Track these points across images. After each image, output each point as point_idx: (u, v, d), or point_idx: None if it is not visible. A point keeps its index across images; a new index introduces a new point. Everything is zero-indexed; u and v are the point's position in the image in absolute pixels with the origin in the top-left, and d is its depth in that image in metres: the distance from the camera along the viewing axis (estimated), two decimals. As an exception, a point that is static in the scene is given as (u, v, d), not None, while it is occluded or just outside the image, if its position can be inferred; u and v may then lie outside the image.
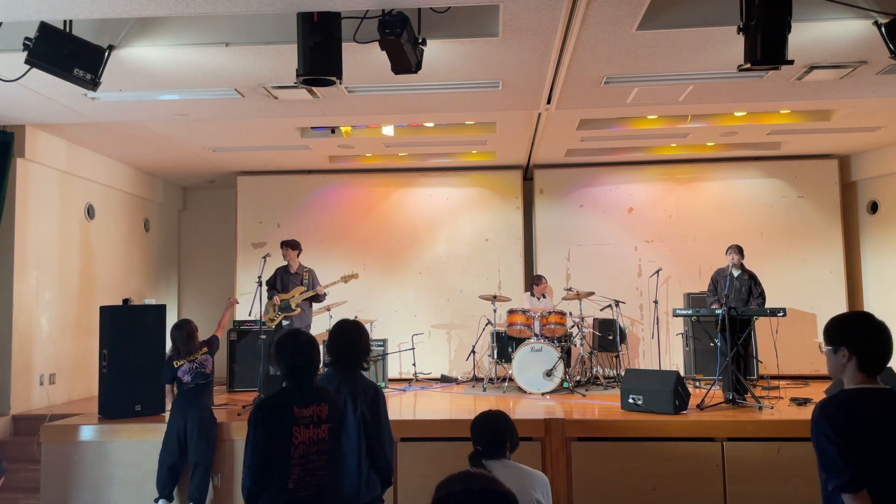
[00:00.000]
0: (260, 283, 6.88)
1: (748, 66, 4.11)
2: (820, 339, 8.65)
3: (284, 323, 7.13)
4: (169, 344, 5.86)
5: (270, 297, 7.14)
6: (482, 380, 8.09)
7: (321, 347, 3.09)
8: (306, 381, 2.93)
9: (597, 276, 8.94)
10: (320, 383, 3.23)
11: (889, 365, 6.35)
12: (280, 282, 7.28)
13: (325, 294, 7.31)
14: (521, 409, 6.36)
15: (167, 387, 5.65)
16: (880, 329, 2.43)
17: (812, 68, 5.40)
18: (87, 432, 5.85)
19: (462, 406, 6.83)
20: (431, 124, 7.68)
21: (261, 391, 6.64)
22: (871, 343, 2.40)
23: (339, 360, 3.28)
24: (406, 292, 9.29)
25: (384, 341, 8.38)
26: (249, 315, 7.94)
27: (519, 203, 9.30)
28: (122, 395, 6.11)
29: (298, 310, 7.13)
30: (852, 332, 2.44)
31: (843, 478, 2.28)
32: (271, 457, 2.77)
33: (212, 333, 5.89)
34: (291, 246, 7.30)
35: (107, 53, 4.66)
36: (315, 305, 7.55)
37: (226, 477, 5.71)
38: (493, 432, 3.06)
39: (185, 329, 5.57)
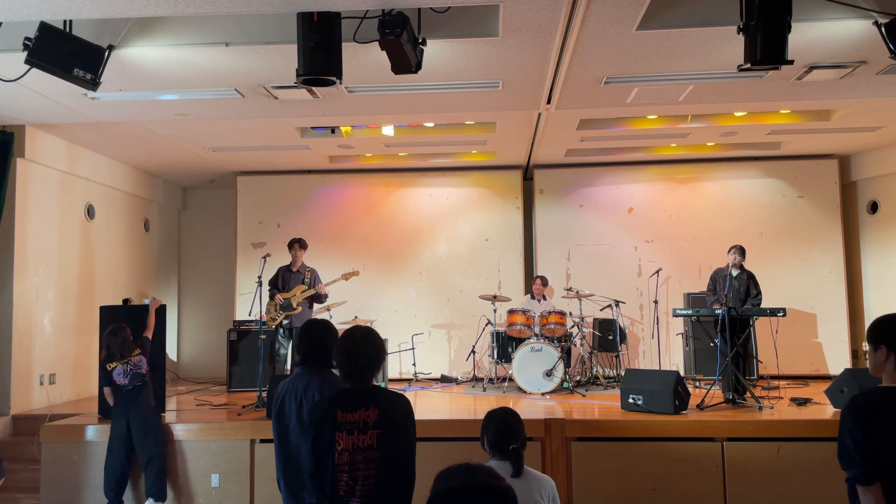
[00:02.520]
0: (260, 283, 6.87)
1: (748, 66, 4.11)
2: (819, 339, 8.68)
3: (285, 322, 7.12)
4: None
5: (272, 297, 7.12)
6: (482, 380, 8.09)
7: (384, 346, 2.88)
8: (355, 384, 2.79)
9: (597, 276, 8.94)
10: (293, 382, 3.20)
11: None
12: (282, 280, 7.27)
13: (326, 294, 7.30)
14: (521, 409, 6.36)
15: (106, 390, 5.61)
16: None
17: (812, 68, 5.40)
18: (88, 432, 5.85)
19: (462, 406, 6.82)
20: (431, 124, 7.68)
21: (260, 391, 6.63)
22: None
23: (307, 360, 3.25)
24: (406, 292, 9.29)
25: (384, 341, 8.36)
26: (249, 315, 7.94)
27: (519, 203, 9.30)
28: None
29: (299, 308, 7.10)
30: (891, 330, 2.49)
31: (855, 470, 2.39)
32: (322, 457, 2.71)
33: (141, 335, 5.80)
34: (303, 245, 7.34)
35: (107, 53, 4.66)
36: (315, 305, 7.54)
37: (225, 477, 5.71)
38: (521, 430, 3.01)
39: (120, 334, 5.55)
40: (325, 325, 3.33)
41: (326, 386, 3.16)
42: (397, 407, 2.80)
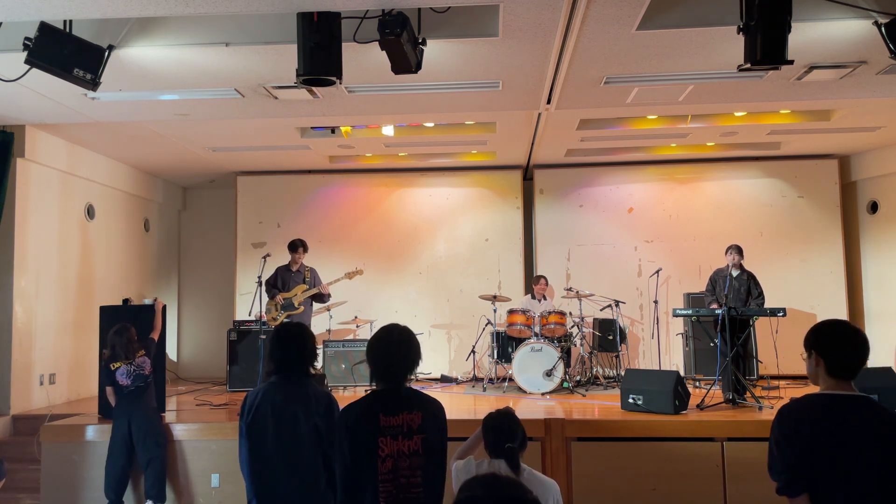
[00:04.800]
0: (260, 283, 6.89)
1: (748, 66, 4.11)
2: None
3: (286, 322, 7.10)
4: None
5: (272, 297, 7.13)
6: (482, 380, 8.08)
7: (418, 344, 2.76)
8: (396, 385, 2.61)
9: (597, 276, 8.94)
10: (267, 394, 2.98)
11: (890, 366, 6.34)
12: (281, 280, 7.30)
13: (329, 294, 7.36)
14: (521, 409, 6.36)
15: (108, 390, 5.61)
16: (849, 334, 2.45)
17: (812, 68, 5.40)
18: (88, 432, 5.84)
19: (462, 406, 6.82)
20: (431, 124, 7.68)
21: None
22: (837, 347, 2.42)
23: (283, 368, 3.01)
24: (406, 292, 9.28)
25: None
26: (249, 315, 7.92)
27: (519, 203, 9.30)
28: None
29: (302, 308, 7.12)
30: (820, 336, 2.47)
31: (780, 480, 2.38)
32: (360, 468, 2.49)
33: (147, 336, 5.82)
34: (306, 248, 7.36)
35: (107, 53, 4.66)
36: (316, 305, 7.54)
37: (225, 477, 5.71)
38: (517, 430, 2.98)
39: (125, 334, 5.54)
40: (303, 330, 3.11)
41: (313, 400, 2.92)
42: (437, 411, 2.67)
